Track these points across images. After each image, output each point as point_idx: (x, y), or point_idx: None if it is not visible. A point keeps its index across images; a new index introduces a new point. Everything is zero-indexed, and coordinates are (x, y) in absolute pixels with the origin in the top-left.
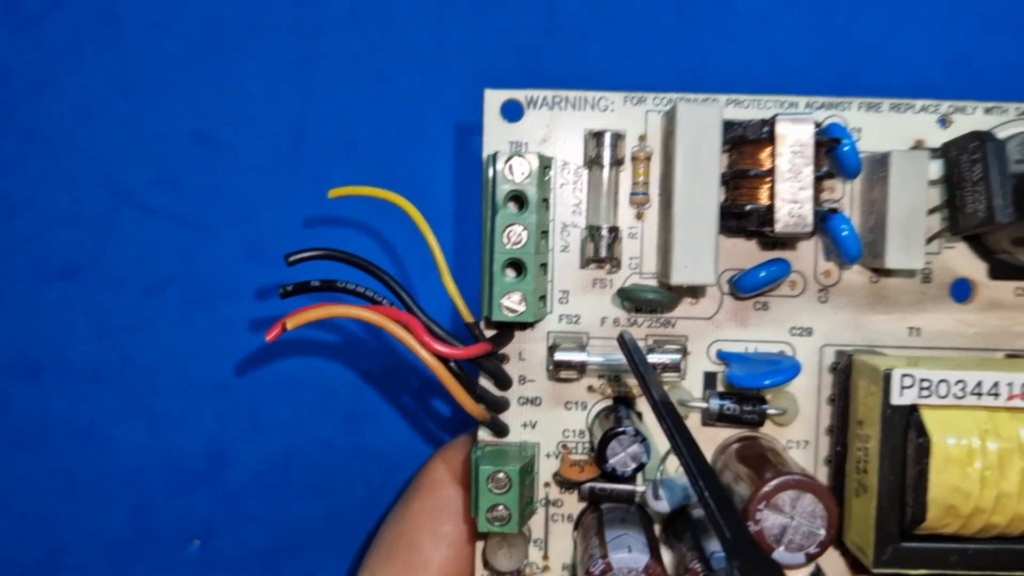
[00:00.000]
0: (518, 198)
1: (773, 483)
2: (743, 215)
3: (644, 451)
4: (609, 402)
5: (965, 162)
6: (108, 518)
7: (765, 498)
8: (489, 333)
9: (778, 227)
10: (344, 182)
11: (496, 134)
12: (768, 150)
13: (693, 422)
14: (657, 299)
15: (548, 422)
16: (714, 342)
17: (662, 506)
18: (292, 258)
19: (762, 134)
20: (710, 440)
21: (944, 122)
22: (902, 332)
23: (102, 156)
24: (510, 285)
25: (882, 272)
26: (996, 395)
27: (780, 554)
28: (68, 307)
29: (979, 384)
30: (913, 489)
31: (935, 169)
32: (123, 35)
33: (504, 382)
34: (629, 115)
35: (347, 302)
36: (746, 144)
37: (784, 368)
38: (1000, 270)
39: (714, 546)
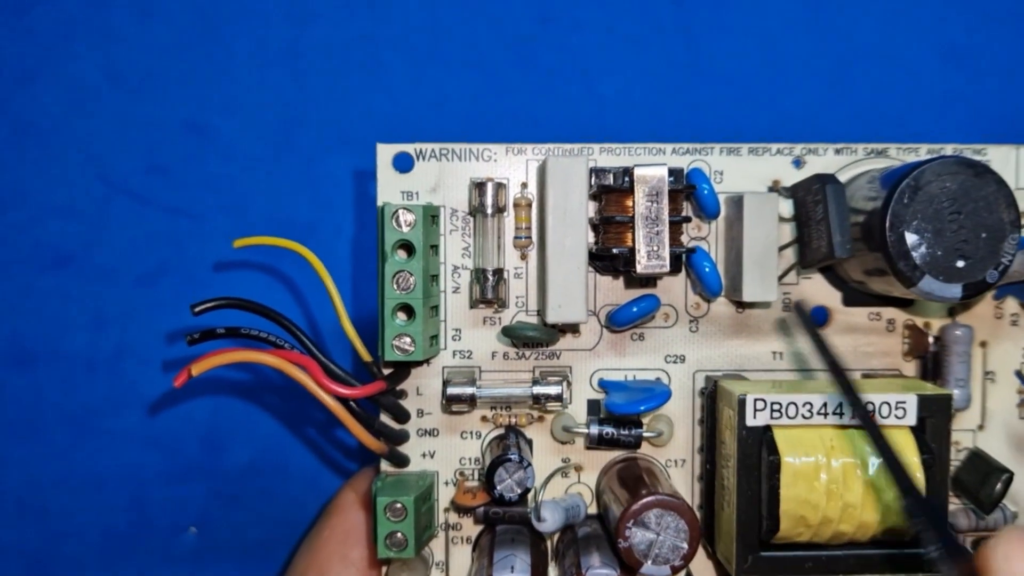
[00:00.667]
0: (407, 246)
1: (640, 503)
2: (612, 257)
3: (529, 476)
4: (501, 431)
5: (810, 202)
6: (103, 507)
7: (633, 516)
8: (387, 371)
9: (639, 268)
10: (336, 169)
11: (390, 184)
12: (631, 198)
13: (578, 446)
14: (537, 336)
15: (446, 451)
16: (596, 371)
17: (546, 526)
18: (197, 308)
19: (624, 183)
20: (594, 462)
21: (799, 163)
22: (767, 356)
23: (94, 145)
24: (400, 328)
25: (744, 304)
26: (840, 415)
27: (648, 568)
28: (61, 296)
29: (824, 405)
30: (767, 503)
31: (786, 208)
32: (114, 24)
33: (402, 416)
34: (511, 164)
35: (251, 347)
36: (611, 192)
37: (657, 394)
38: (853, 298)
39: (592, 561)
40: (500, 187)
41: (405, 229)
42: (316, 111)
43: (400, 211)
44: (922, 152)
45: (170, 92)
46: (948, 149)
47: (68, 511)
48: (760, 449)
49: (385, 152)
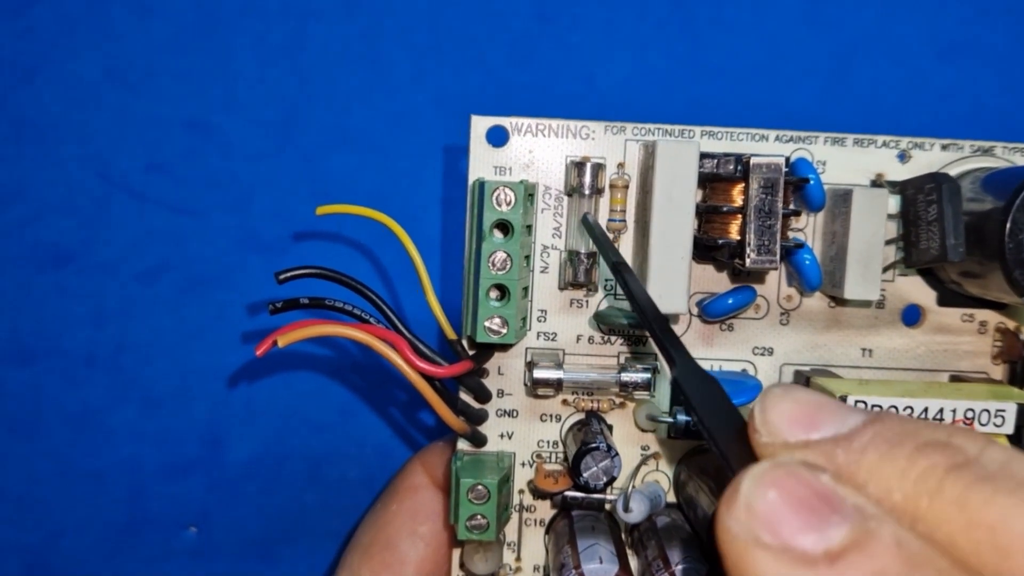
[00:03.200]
0: (503, 225)
1: None
2: (715, 247)
3: (616, 466)
4: (582, 415)
5: (921, 201)
6: (103, 504)
7: None
8: (471, 351)
9: (748, 262)
10: (337, 168)
11: (482, 159)
12: (740, 187)
13: (655, 436)
14: (631, 323)
15: (524, 433)
16: None
17: (633, 517)
18: (282, 276)
19: (736, 173)
20: (671, 452)
21: (903, 156)
22: (856, 353)
23: (94, 143)
24: (494, 309)
25: (840, 300)
26: (940, 419)
27: None
28: (62, 294)
29: (925, 410)
30: None
31: (893, 204)
32: (114, 22)
33: (484, 396)
34: (609, 144)
35: (336, 320)
36: (719, 181)
37: (748, 388)
38: (948, 298)
39: (679, 555)
40: (599, 168)
41: (504, 208)
42: (318, 109)
43: (501, 189)
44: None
45: (170, 89)
46: None
47: (68, 507)
48: None
49: (480, 125)
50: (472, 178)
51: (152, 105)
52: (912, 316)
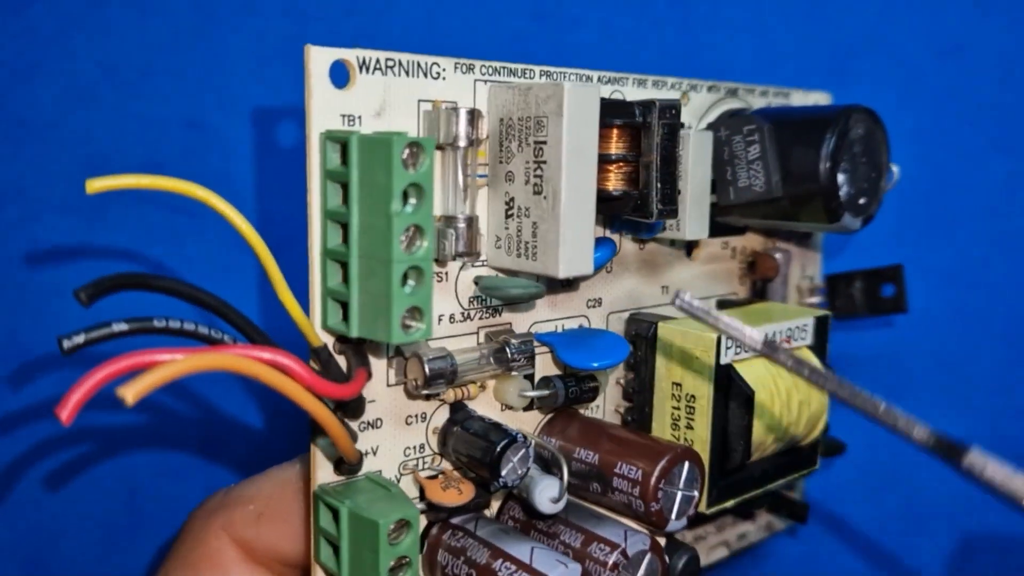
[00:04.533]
0: (412, 190)
1: (666, 460)
2: (611, 200)
3: (531, 455)
4: (445, 408)
5: (739, 141)
6: (100, 504)
7: (663, 475)
8: (339, 355)
9: (656, 214)
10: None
11: (327, 103)
12: (634, 133)
13: (515, 412)
14: (527, 293)
15: (390, 445)
16: (533, 324)
17: (561, 505)
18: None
19: (638, 118)
20: (529, 427)
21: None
22: (657, 292)
23: (92, 142)
24: (409, 299)
25: (646, 240)
26: (774, 341)
27: (673, 524)
28: (58, 293)
29: (766, 335)
30: (741, 436)
31: None
32: (112, 20)
33: (359, 411)
34: (459, 85)
35: (184, 346)
36: (617, 128)
37: (622, 346)
38: (717, 230)
39: (613, 533)
40: (476, 114)
41: (412, 171)
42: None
43: (413, 144)
44: (769, 95)
45: (168, 88)
46: (795, 94)
47: (64, 507)
48: (729, 386)
49: (321, 59)
50: (316, 130)
51: (149, 104)
52: (688, 249)
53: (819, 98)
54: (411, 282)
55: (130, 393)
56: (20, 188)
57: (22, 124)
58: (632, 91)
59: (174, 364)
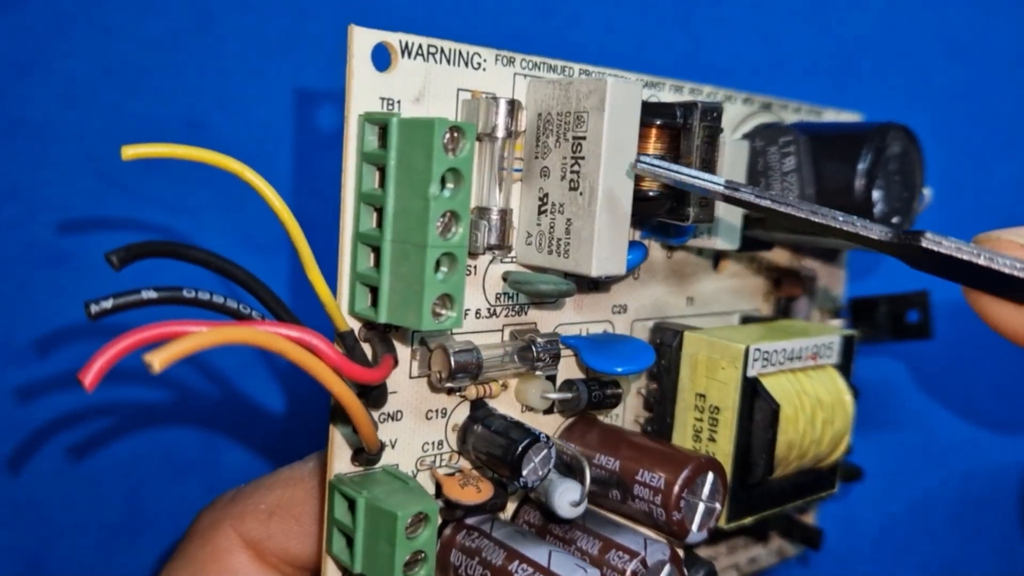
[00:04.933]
0: (451, 175)
1: (690, 469)
2: (647, 200)
3: (553, 456)
4: (465, 404)
5: (774, 153)
6: (100, 506)
7: (687, 484)
8: (364, 342)
9: (691, 217)
10: (333, 168)
11: (367, 86)
12: (673, 135)
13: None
14: (557, 290)
15: (408, 439)
16: (558, 326)
17: (581, 509)
18: (115, 257)
19: (679, 119)
20: (548, 430)
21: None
22: (682, 302)
23: (90, 141)
24: (442, 286)
25: (675, 248)
26: (799, 359)
27: (694, 536)
28: (57, 293)
29: (792, 351)
30: (764, 450)
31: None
32: (109, 19)
33: (381, 401)
34: (500, 76)
35: (213, 320)
36: (657, 128)
37: (648, 352)
38: (745, 244)
39: (632, 541)
40: (516, 106)
41: (452, 155)
42: (314, 107)
43: (455, 128)
44: (803, 112)
45: (167, 87)
46: (826, 112)
47: (65, 509)
48: (753, 399)
49: (364, 40)
50: (355, 112)
51: (148, 103)
52: (715, 261)
53: (851, 117)
54: (444, 268)
55: (157, 360)
56: (17, 188)
57: (19, 123)
58: (668, 96)
59: (202, 335)
